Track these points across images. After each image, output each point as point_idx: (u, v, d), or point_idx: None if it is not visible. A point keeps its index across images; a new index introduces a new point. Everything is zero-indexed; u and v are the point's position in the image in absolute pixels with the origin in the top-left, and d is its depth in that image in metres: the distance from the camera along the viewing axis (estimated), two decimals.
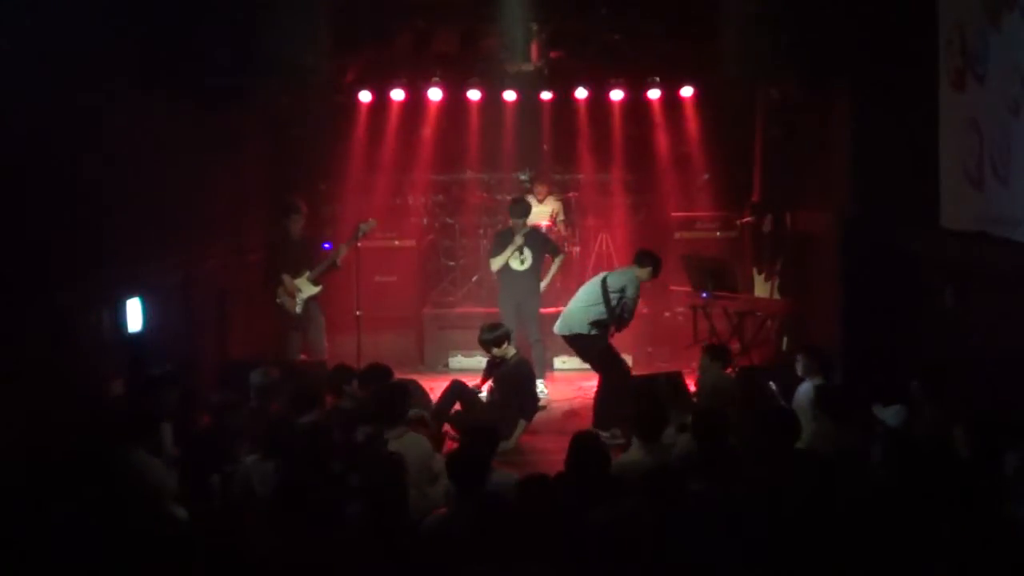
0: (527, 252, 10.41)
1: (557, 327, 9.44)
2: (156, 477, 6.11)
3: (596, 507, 5.13)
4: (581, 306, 9.31)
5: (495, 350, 9.07)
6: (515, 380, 8.91)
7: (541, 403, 9.57)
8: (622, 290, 9.19)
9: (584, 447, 5.79)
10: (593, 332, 9.18)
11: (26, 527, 4.97)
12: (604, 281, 9.30)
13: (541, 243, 10.60)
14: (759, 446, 6.01)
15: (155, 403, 7.03)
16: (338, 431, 6.68)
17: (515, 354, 9.11)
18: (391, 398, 7.05)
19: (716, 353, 8.46)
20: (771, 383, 7.98)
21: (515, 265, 10.45)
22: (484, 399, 9.05)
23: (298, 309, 10.09)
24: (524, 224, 10.44)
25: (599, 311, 9.19)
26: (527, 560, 4.58)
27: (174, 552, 4.89)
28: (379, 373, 7.76)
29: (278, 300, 10.10)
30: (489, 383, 9.19)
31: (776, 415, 6.41)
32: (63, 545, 4.86)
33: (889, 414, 6.77)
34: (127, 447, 6.15)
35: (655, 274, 9.42)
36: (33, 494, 5.42)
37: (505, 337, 9.06)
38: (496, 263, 10.52)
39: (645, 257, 9.40)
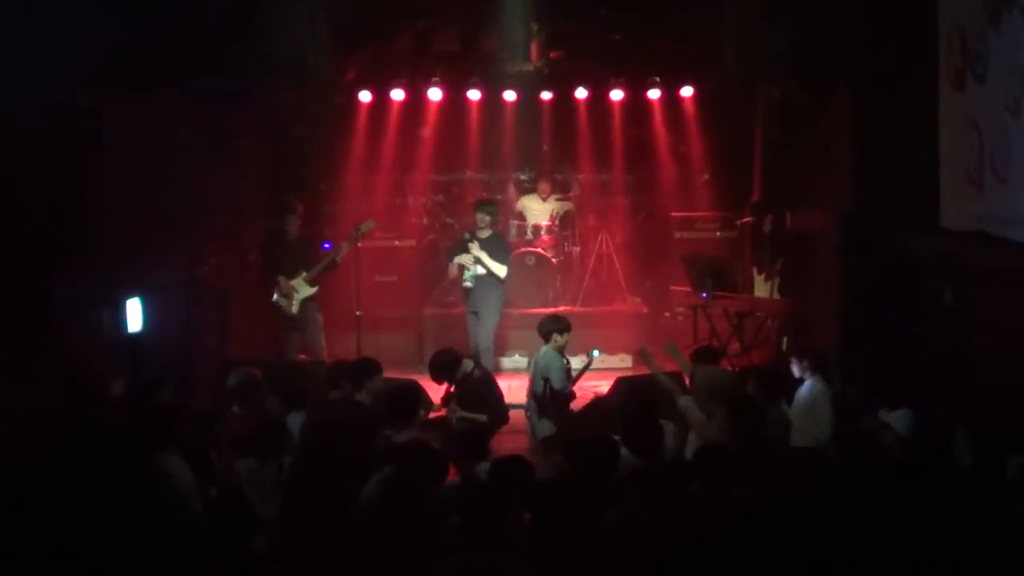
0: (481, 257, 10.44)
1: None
2: (187, 481, 5.85)
3: (604, 510, 5.10)
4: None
5: (457, 374, 8.66)
6: (479, 394, 8.62)
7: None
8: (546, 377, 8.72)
9: (591, 449, 5.74)
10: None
11: (25, 529, 4.95)
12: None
13: (496, 249, 10.55)
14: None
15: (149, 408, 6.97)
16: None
17: (473, 367, 8.78)
18: (404, 399, 6.92)
19: (706, 356, 8.22)
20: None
21: (469, 272, 10.48)
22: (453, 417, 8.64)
23: (295, 309, 10.09)
24: (488, 224, 10.48)
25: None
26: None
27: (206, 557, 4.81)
28: (368, 368, 7.72)
29: (274, 300, 10.09)
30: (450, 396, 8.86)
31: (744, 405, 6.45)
32: (80, 549, 4.80)
33: (895, 418, 6.77)
34: (155, 451, 5.91)
35: (563, 332, 8.86)
36: (33, 495, 5.41)
37: (455, 363, 8.66)
38: (451, 269, 10.67)
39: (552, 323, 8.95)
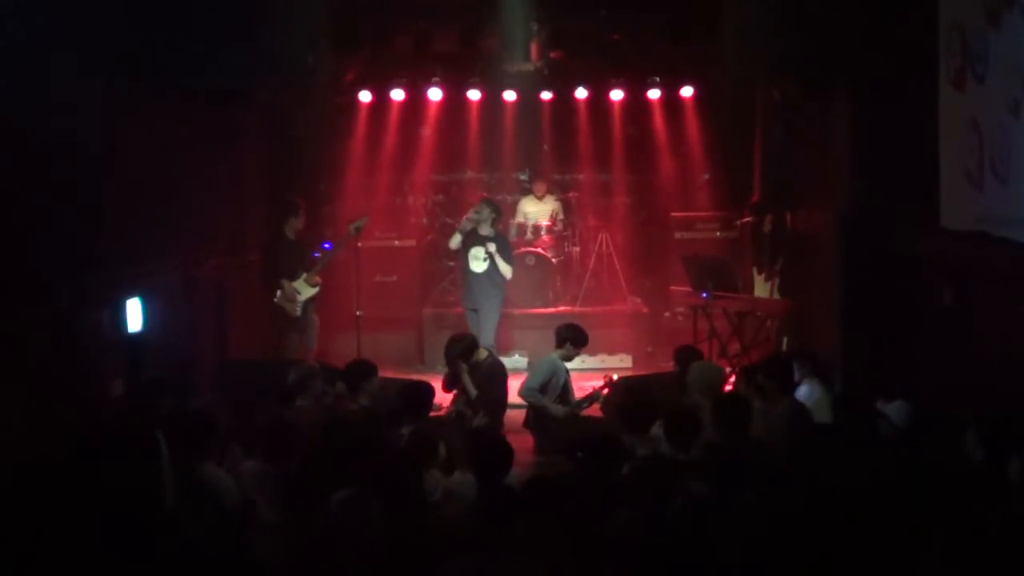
0: (486, 255, 10.48)
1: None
2: (229, 495, 5.68)
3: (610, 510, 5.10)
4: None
5: (472, 359, 8.75)
6: (486, 380, 8.71)
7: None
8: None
9: (599, 449, 5.74)
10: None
11: (24, 530, 4.94)
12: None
13: (501, 251, 10.59)
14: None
15: (149, 410, 6.95)
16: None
17: (487, 355, 8.93)
18: (418, 397, 7.10)
19: (688, 355, 8.24)
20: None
21: (474, 267, 10.53)
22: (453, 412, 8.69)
23: (298, 311, 10.10)
24: (484, 216, 10.47)
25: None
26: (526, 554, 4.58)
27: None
28: (364, 371, 7.73)
29: (276, 302, 10.09)
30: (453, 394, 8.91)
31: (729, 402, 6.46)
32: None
33: (892, 409, 6.78)
34: (193, 461, 5.78)
35: (577, 345, 8.89)
36: (32, 496, 5.39)
37: (473, 348, 8.81)
38: (453, 241, 10.68)
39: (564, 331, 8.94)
